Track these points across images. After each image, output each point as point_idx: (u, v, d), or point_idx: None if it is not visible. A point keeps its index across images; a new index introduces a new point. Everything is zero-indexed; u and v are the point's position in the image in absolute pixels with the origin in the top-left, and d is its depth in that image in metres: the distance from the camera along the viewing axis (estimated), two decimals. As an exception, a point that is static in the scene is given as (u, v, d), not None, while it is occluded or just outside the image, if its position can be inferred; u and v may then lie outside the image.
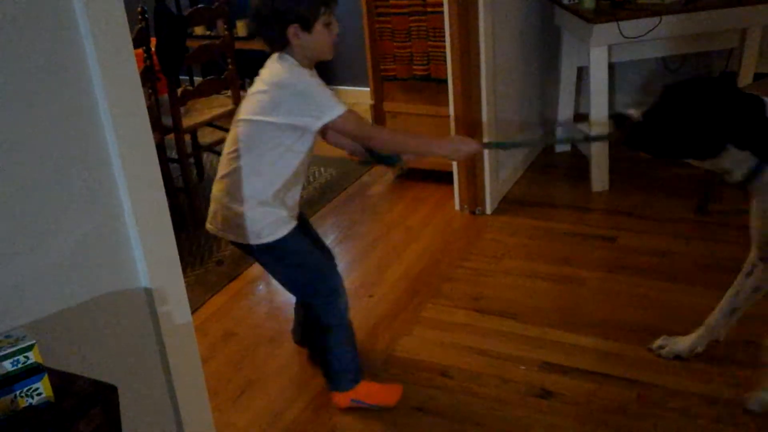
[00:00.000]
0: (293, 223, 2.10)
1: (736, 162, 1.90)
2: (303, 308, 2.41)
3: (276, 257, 2.11)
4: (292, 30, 1.94)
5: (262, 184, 2.02)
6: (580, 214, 3.35)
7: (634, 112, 1.95)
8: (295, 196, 2.11)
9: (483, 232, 3.25)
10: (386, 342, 2.54)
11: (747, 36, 3.67)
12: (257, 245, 2.06)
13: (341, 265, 3.05)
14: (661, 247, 2.99)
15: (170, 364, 1.73)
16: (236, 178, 2.03)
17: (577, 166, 3.72)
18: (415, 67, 3.53)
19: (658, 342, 2.38)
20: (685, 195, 3.34)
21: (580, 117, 3.84)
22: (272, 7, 1.93)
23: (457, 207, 3.44)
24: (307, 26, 1.95)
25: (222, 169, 2.08)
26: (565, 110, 3.92)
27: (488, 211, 3.38)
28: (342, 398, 2.24)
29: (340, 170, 3.92)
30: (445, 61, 3.29)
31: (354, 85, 4.84)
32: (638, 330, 2.50)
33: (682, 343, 2.33)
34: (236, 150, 2.02)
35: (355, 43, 3.98)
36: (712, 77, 1.94)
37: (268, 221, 2.05)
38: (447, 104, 3.32)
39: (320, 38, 1.98)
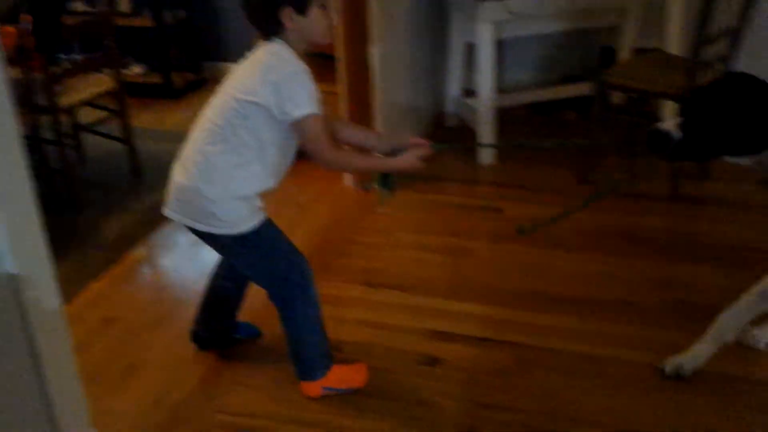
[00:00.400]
0: (264, 211, 2.04)
1: None
2: (221, 312, 2.33)
3: (250, 247, 2.02)
4: (286, 13, 1.85)
5: (245, 177, 1.94)
6: (468, 186, 3.41)
7: (671, 128, 1.86)
8: (272, 186, 2.02)
9: (373, 206, 3.26)
10: (277, 321, 2.51)
11: (627, 12, 3.82)
12: (230, 235, 1.98)
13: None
14: (545, 216, 3.06)
15: (39, 352, 1.64)
16: (217, 165, 1.93)
17: (466, 139, 3.77)
18: (303, 42, 3.48)
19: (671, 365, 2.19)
20: (567, 166, 3.45)
21: (470, 93, 3.90)
22: None
23: (348, 183, 3.44)
24: (301, 9, 1.86)
25: (197, 148, 1.95)
26: (454, 86, 3.97)
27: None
28: (313, 387, 2.16)
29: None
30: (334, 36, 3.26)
31: (237, 61, 4.70)
32: (522, 295, 2.58)
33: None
34: (222, 131, 1.91)
35: (237, 15, 3.89)
36: (734, 75, 1.88)
37: (245, 212, 1.98)
38: (336, 81, 3.30)
39: (316, 21, 1.89)
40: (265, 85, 1.86)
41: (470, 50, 3.84)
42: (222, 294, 2.30)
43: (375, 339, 2.41)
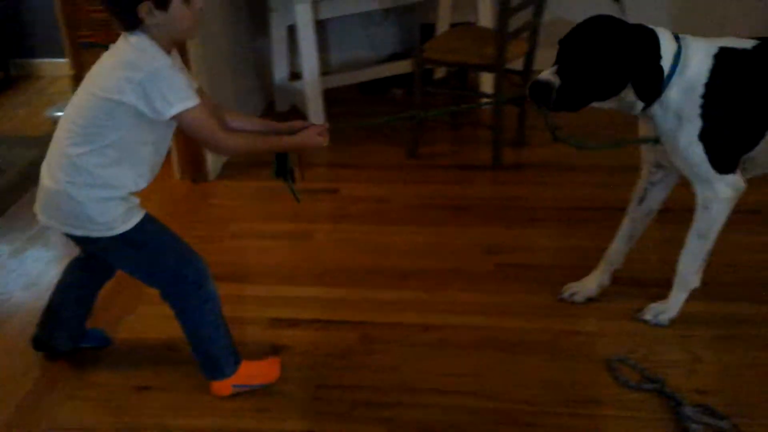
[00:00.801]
0: (143, 208, 1.92)
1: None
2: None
3: (133, 247, 1.91)
4: (145, 8, 1.72)
5: (115, 176, 1.83)
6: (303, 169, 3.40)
7: (550, 77, 1.92)
8: (145, 184, 1.90)
9: (207, 198, 3.18)
10: (110, 324, 2.40)
11: (440, -11, 3.94)
12: (110, 237, 1.86)
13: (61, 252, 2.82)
14: (379, 193, 3.14)
15: None
16: (83, 167, 1.81)
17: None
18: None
19: (567, 292, 2.41)
20: (396, 143, 3.52)
21: (296, 76, 3.88)
22: None
23: (177, 176, 3.33)
24: (161, 3, 1.73)
25: (61, 150, 1.82)
26: (280, 71, 3.94)
27: (211, 177, 3.32)
28: (223, 386, 2.07)
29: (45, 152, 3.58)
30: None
31: (48, 57, 4.42)
32: (361, 273, 2.62)
33: (589, 285, 2.40)
34: (85, 131, 1.79)
35: (43, 8, 3.65)
36: (596, 18, 1.95)
37: (120, 211, 1.86)
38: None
39: (179, 15, 1.75)
40: (130, 83, 1.74)
41: (293, 33, 3.81)
42: (73, 300, 2.17)
43: (215, 334, 2.36)
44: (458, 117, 3.70)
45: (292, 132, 2.00)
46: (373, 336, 2.31)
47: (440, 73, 4.00)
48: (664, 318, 2.27)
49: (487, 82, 3.84)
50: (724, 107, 1.97)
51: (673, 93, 1.97)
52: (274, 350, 2.27)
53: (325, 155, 3.52)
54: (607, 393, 2.04)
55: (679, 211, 2.24)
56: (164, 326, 2.33)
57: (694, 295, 2.31)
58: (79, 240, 1.93)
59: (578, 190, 3.07)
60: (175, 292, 2.00)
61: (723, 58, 1.96)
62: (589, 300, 2.39)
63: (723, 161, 2.03)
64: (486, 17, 3.77)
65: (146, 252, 1.94)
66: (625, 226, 2.36)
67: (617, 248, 2.39)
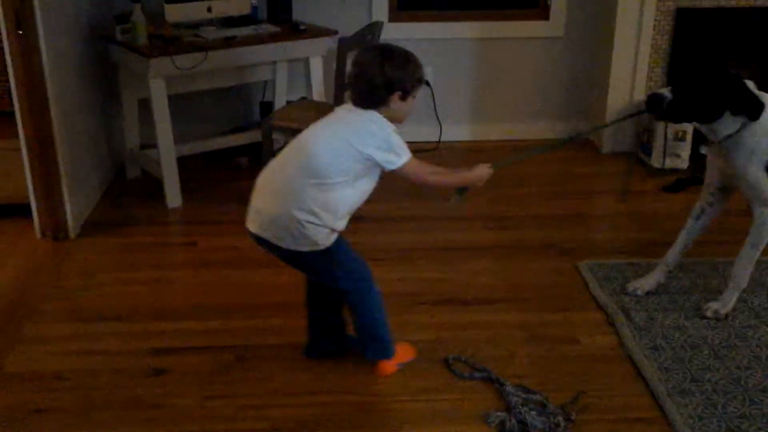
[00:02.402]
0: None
1: (726, 124, 2.60)
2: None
3: (331, 258, 2.40)
4: (395, 96, 2.29)
5: (341, 207, 2.33)
6: (161, 227, 3.68)
7: (665, 92, 2.56)
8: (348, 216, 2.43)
9: (72, 254, 3.37)
10: (-10, 366, 2.54)
11: (277, 69, 4.44)
12: (318, 251, 2.36)
13: None
14: (235, 244, 3.48)
15: None
16: (316, 198, 2.28)
17: (150, 188, 4.01)
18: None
19: (632, 287, 2.99)
20: (248, 202, 3.89)
21: (148, 145, 4.16)
22: (386, 78, 2.26)
23: (38, 236, 3.48)
24: (405, 96, 2.30)
25: (295, 180, 2.29)
26: (131, 141, 4.21)
27: (72, 235, 3.50)
28: (389, 365, 2.56)
29: None
30: (8, 93, 3.34)
31: None
32: (228, 308, 2.94)
33: (649, 282, 2.99)
34: (321, 174, 2.26)
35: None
36: (706, 63, 2.80)
37: (327, 233, 2.35)
38: (12, 136, 3.37)
39: (408, 107, 2.34)
40: (375, 141, 2.27)
41: (143, 105, 4.11)
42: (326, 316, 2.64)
43: (98, 366, 2.58)
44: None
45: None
46: (248, 356, 2.64)
47: (278, 144, 4.45)
48: (722, 313, 2.83)
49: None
50: None
51: (748, 133, 2.62)
52: (158, 372, 2.53)
53: (181, 215, 3.81)
54: (445, 383, 2.52)
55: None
56: (48, 360, 2.53)
57: (508, 306, 2.90)
58: (287, 254, 2.40)
59: (404, 236, 3.60)
60: (357, 289, 2.49)
61: None
62: (648, 293, 2.99)
63: None
64: (319, 94, 4.30)
65: (338, 260, 2.43)
66: (682, 238, 2.98)
67: (674, 254, 2.98)
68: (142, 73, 3.77)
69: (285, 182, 2.33)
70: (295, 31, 4.07)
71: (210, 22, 3.98)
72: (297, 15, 4.31)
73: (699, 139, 4.26)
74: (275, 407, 2.39)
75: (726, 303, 2.87)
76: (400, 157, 2.32)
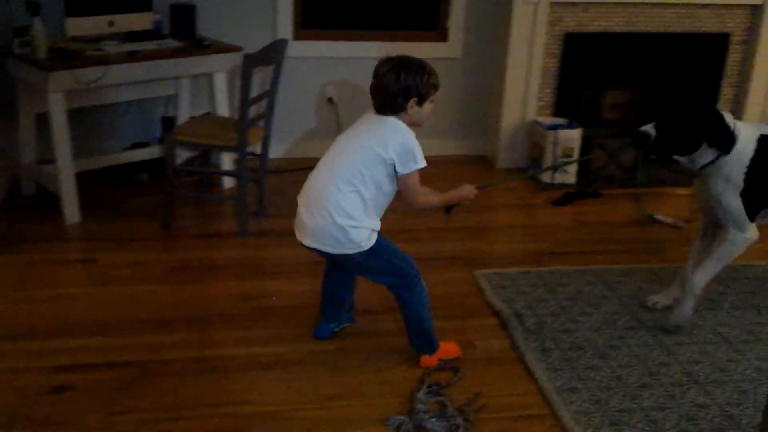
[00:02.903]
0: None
1: (703, 155, 2.76)
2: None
3: (377, 257, 2.60)
4: (412, 102, 2.50)
5: (372, 209, 2.56)
6: (59, 244, 3.61)
7: (649, 129, 2.72)
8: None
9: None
10: None
11: (180, 84, 4.44)
12: (364, 252, 2.56)
13: None
14: (137, 259, 3.47)
15: None
16: (351, 203, 2.51)
17: (47, 204, 3.93)
18: None
19: (651, 302, 3.16)
20: (150, 217, 3.88)
21: (46, 160, 4.08)
22: (402, 85, 2.48)
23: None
24: (421, 102, 2.52)
25: (330, 189, 2.52)
26: (27, 156, 4.11)
27: (-36, 253, 3.40)
28: (431, 359, 2.74)
29: None
30: None
31: None
32: (131, 323, 2.94)
33: (667, 296, 3.16)
34: (353, 181, 2.51)
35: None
36: (688, 101, 2.77)
37: (368, 233, 2.56)
38: None
39: (425, 111, 2.56)
40: (395, 145, 2.49)
41: (41, 119, 4.03)
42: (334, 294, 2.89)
43: (0, 385, 2.53)
44: (205, 192, 4.18)
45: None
46: (152, 370, 2.65)
47: (180, 159, 4.44)
48: (683, 320, 2.97)
49: (228, 162, 4.36)
50: (760, 176, 2.77)
51: (723, 162, 2.76)
52: (60, 389, 2.51)
53: (79, 231, 3.76)
54: (351, 390, 2.61)
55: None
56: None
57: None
58: (337, 258, 2.62)
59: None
60: (402, 285, 2.68)
61: (763, 141, 2.77)
62: (666, 307, 3.14)
63: (750, 212, 2.82)
64: (222, 109, 4.33)
65: (383, 258, 2.63)
66: (692, 254, 3.10)
67: (687, 270, 3.08)
68: (40, 87, 3.70)
69: (322, 193, 2.55)
70: (199, 46, 4.09)
71: (112, 37, 3.96)
72: (201, 31, 4.34)
73: (586, 155, 4.55)
74: (180, 420, 2.41)
75: (686, 311, 2.97)
76: (416, 163, 2.54)
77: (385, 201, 2.62)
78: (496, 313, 3.10)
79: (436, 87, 2.57)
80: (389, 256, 2.66)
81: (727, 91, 4.96)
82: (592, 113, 4.87)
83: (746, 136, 2.79)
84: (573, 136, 4.49)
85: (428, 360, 2.77)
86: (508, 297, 3.21)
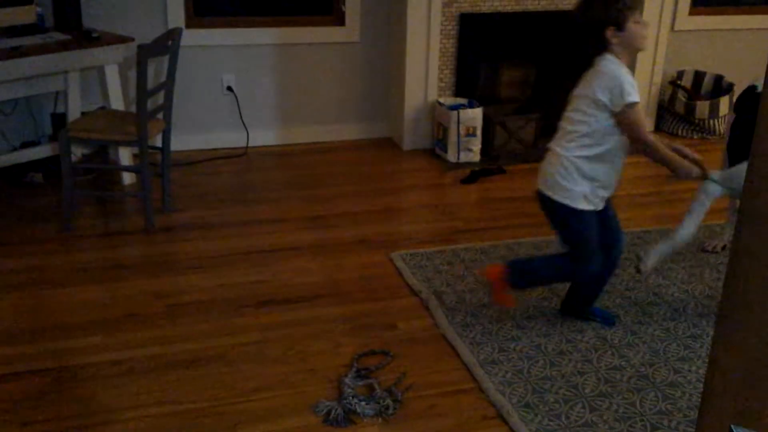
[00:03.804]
0: (592, 203, 2.61)
1: None
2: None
3: (574, 222, 2.65)
4: (610, 32, 2.44)
5: (590, 167, 2.55)
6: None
7: None
8: (602, 179, 2.59)
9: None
10: None
11: (69, 79, 4.21)
12: (570, 208, 2.61)
13: None
14: (36, 263, 3.28)
15: None
16: (570, 154, 2.57)
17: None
18: None
19: (710, 245, 3.45)
20: (47, 219, 3.68)
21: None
22: (589, 21, 2.48)
23: None
24: (621, 27, 2.44)
25: (560, 148, 2.60)
26: None
27: None
28: (504, 293, 2.84)
29: None
30: None
31: None
32: (38, 330, 2.78)
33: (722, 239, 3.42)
34: (574, 131, 2.54)
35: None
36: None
37: (583, 195, 2.59)
38: None
39: (632, 33, 2.46)
40: (603, 81, 2.46)
41: None
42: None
43: None
44: (105, 189, 4.00)
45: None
46: (66, 377, 2.52)
47: (75, 157, 4.24)
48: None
49: (126, 157, 4.19)
50: None
51: None
52: (-35, 407, 2.35)
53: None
54: (278, 381, 2.56)
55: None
56: None
57: (330, 301, 3.01)
58: (549, 205, 2.68)
59: (222, 242, 3.58)
60: (572, 257, 2.73)
61: None
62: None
63: None
64: (117, 102, 4.15)
65: (577, 230, 2.67)
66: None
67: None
68: None
69: (554, 147, 2.65)
70: (86, 39, 3.90)
71: (-9, 32, 3.72)
72: (88, 22, 4.14)
73: (488, 134, 4.65)
74: (102, 425, 2.31)
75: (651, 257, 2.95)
76: (630, 95, 2.44)
77: (613, 159, 2.59)
78: (416, 293, 3.13)
79: (628, 5, 2.45)
80: (580, 234, 2.69)
81: (615, 66, 5.16)
82: (490, 92, 4.96)
83: None
84: (475, 115, 4.57)
85: (501, 286, 2.82)
86: (426, 276, 3.24)
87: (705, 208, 2.89)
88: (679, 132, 5.21)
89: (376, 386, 2.52)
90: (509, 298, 2.89)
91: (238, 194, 4.12)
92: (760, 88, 2.97)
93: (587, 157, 2.56)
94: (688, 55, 5.34)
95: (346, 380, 2.54)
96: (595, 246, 2.68)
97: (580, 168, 2.57)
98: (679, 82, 5.25)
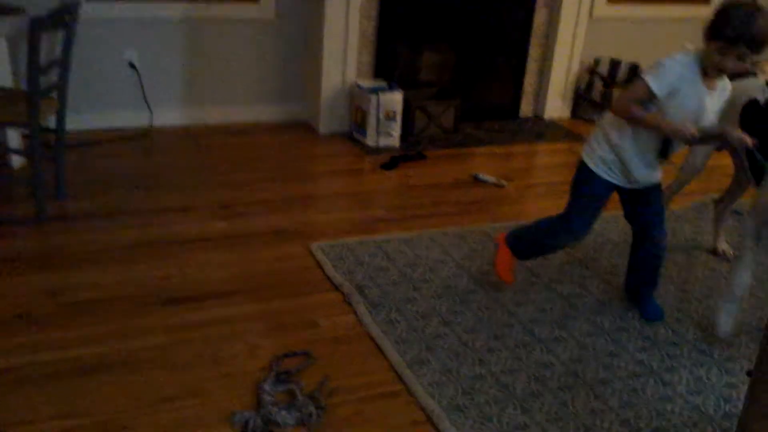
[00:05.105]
0: (607, 172, 2.70)
1: None
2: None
3: (577, 174, 2.79)
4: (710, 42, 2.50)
5: (609, 128, 2.67)
6: None
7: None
8: (625, 154, 2.65)
9: None
10: None
11: None
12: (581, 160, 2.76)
13: None
14: None
15: None
16: (605, 122, 2.73)
17: None
18: None
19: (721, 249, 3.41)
20: None
21: None
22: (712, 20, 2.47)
23: None
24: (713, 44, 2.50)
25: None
26: None
27: None
28: (503, 260, 2.93)
29: None
30: None
31: None
32: None
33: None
34: None
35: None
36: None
37: (597, 154, 2.70)
38: None
39: (710, 56, 2.51)
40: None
41: None
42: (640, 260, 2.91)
43: None
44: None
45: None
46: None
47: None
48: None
49: (15, 139, 3.81)
50: None
51: None
52: None
53: None
54: (185, 388, 2.34)
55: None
56: None
57: (245, 298, 2.79)
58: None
59: (122, 232, 3.29)
60: (561, 214, 2.83)
61: None
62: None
63: None
64: (5, 79, 3.76)
65: (576, 183, 2.79)
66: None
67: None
68: None
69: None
70: (-32, 7, 3.51)
71: None
72: (-31, -12, 3.72)
73: (408, 118, 4.50)
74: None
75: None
76: (647, 73, 2.52)
77: (635, 135, 2.65)
78: (337, 288, 2.94)
79: (730, 37, 2.40)
80: (579, 191, 2.79)
81: (534, 51, 5.11)
82: (410, 75, 4.81)
83: None
84: (395, 99, 4.41)
85: (503, 255, 2.94)
86: (348, 269, 3.07)
87: (747, 250, 2.69)
88: (596, 119, 5.21)
89: (298, 392, 2.33)
90: (510, 274, 2.96)
91: (141, 179, 3.81)
92: (762, 102, 2.91)
93: (616, 125, 2.65)
94: (605, 43, 5.34)
95: (265, 386, 2.34)
96: (585, 213, 2.78)
97: (608, 134, 2.67)
98: (596, 70, 5.25)
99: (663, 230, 2.84)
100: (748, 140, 2.53)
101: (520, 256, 2.97)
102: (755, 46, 2.40)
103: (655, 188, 2.79)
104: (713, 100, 2.58)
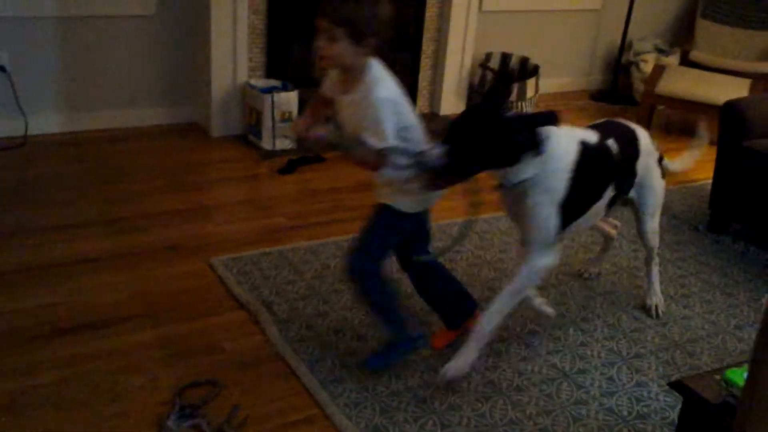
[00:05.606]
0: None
1: (522, 169, 2.27)
2: None
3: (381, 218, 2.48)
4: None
5: None
6: None
7: (440, 154, 2.17)
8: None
9: None
10: None
11: None
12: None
13: None
14: None
15: None
16: None
17: None
18: None
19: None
20: None
21: None
22: None
23: None
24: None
25: None
26: None
27: None
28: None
29: None
30: None
31: None
32: None
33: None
34: None
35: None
36: (475, 109, 2.42)
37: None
38: None
39: None
40: None
41: None
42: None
43: None
44: None
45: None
46: None
47: None
48: (463, 370, 2.41)
49: None
50: (582, 183, 2.37)
51: (546, 172, 2.29)
52: None
53: None
54: (78, 429, 2.14)
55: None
56: None
57: (142, 323, 2.59)
58: None
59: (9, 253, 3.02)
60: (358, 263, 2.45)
61: (583, 149, 2.38)
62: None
63: (564, 225, 2.39)
64: None
65: (380, 228, 2.44)
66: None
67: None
68: None
69: None
70: None
71: None
72: None
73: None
74: None
75: (468, 360, 2.42)
76: None
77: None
78: (242, 306, 2.79)
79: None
80: (382, 232, 2.49)
81: (427, 46, 5.07)
82: (304, 73, 4.66)
83: (566, 140, 2.37)
84: (290, 99, 4.26)
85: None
86: (253, 284, 2.91)
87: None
88: (490, 114, 5.24)
89: (205, 426, 2.17)
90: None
91: (17, 194, 3.50)
92: None
93: None
94: (495, 37, 5.38)
95: (169, 423, 2.17)
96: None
97: None
98: (487, 64, 5.27)
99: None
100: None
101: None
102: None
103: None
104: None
